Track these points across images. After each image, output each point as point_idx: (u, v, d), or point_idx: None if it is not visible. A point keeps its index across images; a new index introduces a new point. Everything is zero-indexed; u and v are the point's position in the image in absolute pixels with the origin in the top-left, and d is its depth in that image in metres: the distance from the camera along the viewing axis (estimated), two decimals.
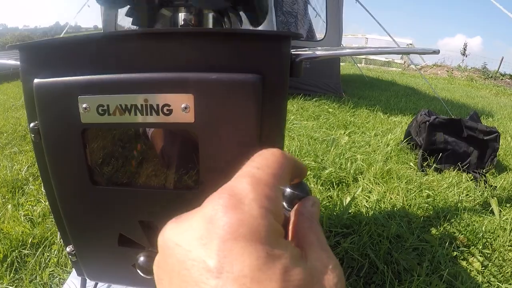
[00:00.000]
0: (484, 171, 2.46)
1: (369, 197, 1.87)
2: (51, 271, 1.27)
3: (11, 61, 0.78)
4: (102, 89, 0.58)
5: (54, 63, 0.61)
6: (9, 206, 1.73)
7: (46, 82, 0.59)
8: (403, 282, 1.22)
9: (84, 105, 0.58)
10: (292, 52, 0.58)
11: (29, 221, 1.60)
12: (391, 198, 1.88)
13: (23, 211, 1.69)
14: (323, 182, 1.97)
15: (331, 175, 2.05)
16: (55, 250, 1.39)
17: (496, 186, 2.22)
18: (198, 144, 0.60)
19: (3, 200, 1.83)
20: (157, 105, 0.56)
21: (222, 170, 0.56)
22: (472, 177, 2.37)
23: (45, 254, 1.37)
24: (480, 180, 2.29)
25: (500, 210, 1.91)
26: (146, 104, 0.57)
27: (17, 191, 1.91)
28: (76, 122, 0.59)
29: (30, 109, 0.64)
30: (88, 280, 0.99)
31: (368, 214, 1.70)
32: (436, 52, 0.66)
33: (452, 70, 10.87)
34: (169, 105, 0.56)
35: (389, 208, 1.77)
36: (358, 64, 10.08)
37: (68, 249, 0.78)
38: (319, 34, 5.10)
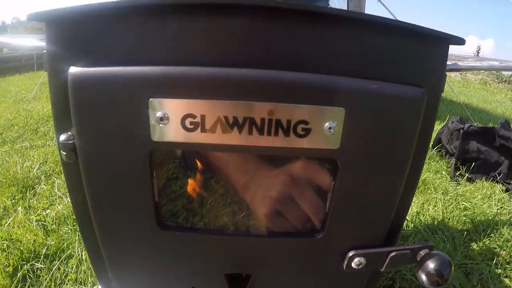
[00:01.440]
0: None
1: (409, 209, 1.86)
2: None
3: (30, 39, 0.56)
4: (193, 90, 0.37)
5: (103, 44, 0.38)
6: (19, 208, 1.59)
7: (90, 73, 0.37)
8: None
9: (159, 114, 0.37)
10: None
11: (41, 228, 1.45)
12: (428, 210, 1.88)
13: (35, 216, 1.53)
14: None
15: None
16: (72, 265, 1.23)
17: None
18: (335, 178, 0.45)
19: (13, 201, 1.70)
20: (288, 122, 0.38)
21: (360, 211, 0.50)
22: (505, 189, 2.35)
23: (61, 268, 1.21)
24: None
25: None
26: (271, 119, 0.38)
27: (28, 191, 1.79)
28: (143, 139, 0.39)
29: (61, 113, 0.41)
30: None
31: (409, 227, 1.69)
32: None
33: (466, 73, 10.73)
34: (306, 123, 0.39)
35: (429, 221, 1.76)
36: None
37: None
38: None
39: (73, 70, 0.37)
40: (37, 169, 2.05)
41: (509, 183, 2.37)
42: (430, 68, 0.43)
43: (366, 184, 0.46)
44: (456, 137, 2.56)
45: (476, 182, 2.38)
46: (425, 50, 0.42)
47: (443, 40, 0.42)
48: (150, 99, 0.36)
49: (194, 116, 0.37)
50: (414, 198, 1.93)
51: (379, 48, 0.40)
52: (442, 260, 0.51)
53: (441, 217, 1.80)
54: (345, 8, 4.68)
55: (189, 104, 0.37)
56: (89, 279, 1.19)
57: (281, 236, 0.54)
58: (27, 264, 1.22)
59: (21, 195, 1.76)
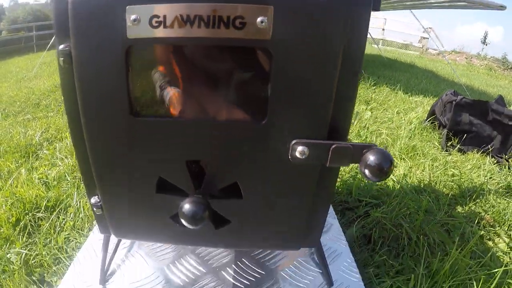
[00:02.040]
0: (507, 156, 2.41)
1: (396, 171, 1.84)
2: (66, 235, 1.21)
3: None
4: None
5: None
6: (23, 170, 1.66)
7: None
8: (435, 255, 1.19)
9: (133, 17, 0.49)
10: None
11: (43, 185, 1.53)
12: (417, 174, 1.85)
13: (37, 175, 1.61)
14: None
15: None
16: (71, 213, 1.32)
17: None
18: (271, 67, 0.52)
19: (17, 165, 1.76)
20: (228, 17, 0.48)
21: (296, 99, 0.55)
22: (496, 161, 2.32)
23: (60, 217, 1.29)
24: (504, 165, 2.24)
25: None
26: (214, 15, 0.48)
27: (30, 156, 1.85)
28: (120, 38, 0.50)
29: (61, 26, 0.53)
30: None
31: (395, 188, 1.67)
32: (503, 8, 0.62)
33: (471, 58, 10.62)
34: (242, 17, 0.48)
35: (416, 183, 1.74)
36: (375, 46, 9.88)
37: (93, 200, 0.71)
38: None
39: None
40: (39, 137, 2.12)
41: (501, 157, 2.35)
42: None
43: (299, 74, 0.54)
44: (449, 109, 2.54)
45: (467, 154, 2.35)
46: None
47: None
48: (127, 6, 0.49)
49: (158, 16, 0.49)
50: (401, 162, 1.90)
51: None
52: (382, 154, 0.56)
53: (428, 181, 1.77)
54: None
55: (155, 8, 0.49)
56: (86, 225, 1.27)
57: (229, 122, 0.63)
58: (29, 215, 1.30)
59: (24, 159, 1.83)
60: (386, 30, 11.20)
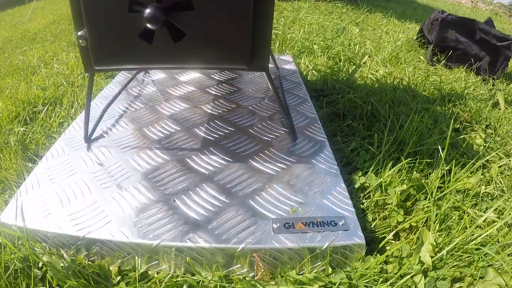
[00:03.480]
0: (494, 77, 2.40)
1: (376, 73, 1.84)
2: (61, 121, 1.30)
3: None
4: None
5: None
6: (22, 83, 1.72)
7: None
8: (401, 126, 1.22)
9: None
10: None
11: (42, 89, 1.60)
12: (398, 77, 1.85)
13: (36, 82, 1.69)
14: (331, 58, 1.93)
15: (339, 53, 2.00)
16: (65, 104, 1.41)
17: (504, 90, 2.17)
18: None
19: (17, 81, 1.81)
20: None
21: None
22: (482, 79, 2.31)
23: (56, 109, 1.38)
24: (489, 81, 2.23)
25: (506, 107, 1.87)
26: None
27: (29, 74, 1.89)
28: None
29: None
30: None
31: (375, 85, 1.68)
32: None
33: (477, 1, 10.29)
34: None
35: (395, 83, 1.74)
36: None
37: (79, 33, 0.82)
38: None
39: None
40: (36, 59, 2.15)
41: (489, 76, 2.33)
42: None
43: None
44: (436, 26, 2.49)
45: (453, 69, 2.34)
46: None
47: None
48: None
49: None
50: (383, 68, 1.90)
51: None
52: None
53: (407, 82, 1.77)
54: None
55: None
56: (79, 112, 1.35)
57: None
58: (27, 109, 1.39)
59: (23, 77, 1.86)
60: None
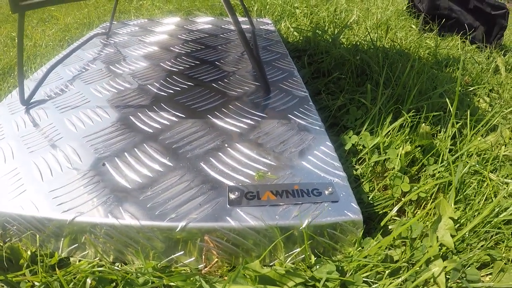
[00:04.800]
0: (492, 46, 2.24)
1: (362, 36, 1.62)
2: (11, 90, 1.16)
3: None
4: None
5: None
6: None
7: None
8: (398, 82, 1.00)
9: None
10: None
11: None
12: (391, 40, 1.64)
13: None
14: (315, 24, 1.70)
15: (324, 20, 1.77)
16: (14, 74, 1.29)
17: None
18: None
19: None
20: None
21: None
22: (477, 46, 2.14)
23: (7, 78, 1.27)
24: (485, 50, 2.06)
25: (506, 74, 1.68)
26: None
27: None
28: None
29: None
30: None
31: (364, 47, 1.45)
32: None
33: None
34: None
35: (386, 46, 1.53)
36: None
37: None
38: None
39: None
40: (4, 36, 1.94)
41: (485, 46, 2.17)
42: None
43: None
44: None
45: (447, 38, 2.15)
46: None
47: None
48: None
49: None
50: (372, 35, 1.68)
51: None
52: None
53: (399, 46, 1.56)
54: None
55: None
56: None
57: None
58: None
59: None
60: None
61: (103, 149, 0.65)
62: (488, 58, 1.91)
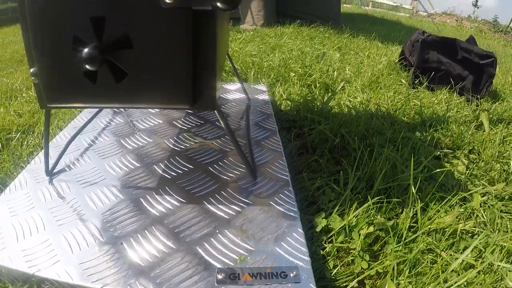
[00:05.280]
0: (479, 96, 2.35)
1: (354, 100, 1.78)
2: (31, 151, 1.30)
3: None
4: None
5: None
6: (1, 108, 1.74)
7: None
8: (375, 158, 1.15)
9: None
10: None
11: (18, 115, 1.63)
12: (376, 104, 1.79)
13: (13, 108, 1.72)
14: (308, 85, 1.88)
15: (316, 80, 1.94)
16: (37, 133, 1.42)
17: (489, 110, 2.12)
18: None
19: None
20: None
21: None
22: (466, 99, 2.26)
23: (28, 137, 1.39)
24: (474, 103, 2.18)
25: (491, 127, 1.81)
26: None
27: (10, 98, 1.91)
28: None
29: None
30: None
31: (351, 113, 1.61)
32: None
33: (462, 20, 10.45)
34: None
35: (373, 111, 1.68)
36: (365, 7, 9.69)
37: (32, 70, 0.83)
38: None
39: None
40: (19, 83, 2.17)
41: (473, 95, 2.28)
42: None
43: None
44: (417, 48, 2.45)
45: (436, 91, 2.29)
46: None
47: None
48: None
49: None
50: (361, 94, 1.84)
51: None
52: None
53: (386, 108, 1.71)
54: None
55: None
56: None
57: None
58: (1, 134, 1.40)
59: (4, 100, 1.89)
60: None
61: (120, 229, 0.81)
62: (475, 111, 2.03)
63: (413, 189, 0.96)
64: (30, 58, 0.83)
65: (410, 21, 8.12)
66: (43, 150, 1.12)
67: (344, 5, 9.64)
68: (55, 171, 1.03)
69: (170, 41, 0.75)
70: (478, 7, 11.79)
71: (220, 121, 0.94)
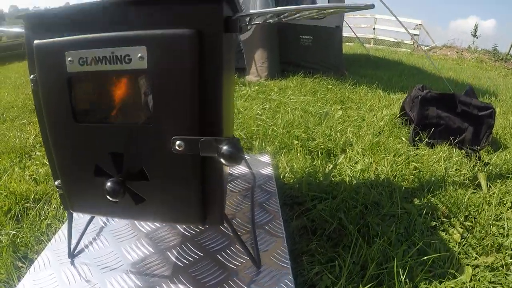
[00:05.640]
0: (479, 148, 2.42)
1: (354, 166, 1.88)
2: (49, 222, 1.40)
3: (17, 28, 1.03)
4: (82, 46, 0.77)
5: (48, 28, 0.80)
6: (16, 169, 1.88)
7: (43, 43, 0.79)
8: (372, 245, 1.23)
9: (69, 58, 0.77)
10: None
11: (33, 181, 1.75)
12: (376, 169, 1.88)
13: (29, 172, 1.83)
14: (310, 152, 1.98)
15: (319, 145, 2.05)
16: (54, 204, 1.53)
17: (488, 162, 2.19)
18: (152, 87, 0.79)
19: (11, 164, 1.97)
20: (121, 56, 0.76)
21: (170, 108, 0.80)
22: (465, 154, 2.33)
23: (45, 207, 1.51)
24: (474, 156, 2.24)
25: (489, 186, 1.87)
26: (112, 55, 0.76)
27: (24, 156, 2.04)
28: (64, 72, 0.80)
29: (31, 64, 0.84)
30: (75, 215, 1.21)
31: (352, 183, 1.70)
32: (370, 6, 0.71)
33: (462, 52, 10.64)
34: (129, 55, 0.75)
35: (373, 178, 1.77)
36: (366, 45, 9.94)
37: (56, 182, 0.95)
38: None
39: (36, 42, 0.80)
40: (33, 139, 2.31)
41: (471, 149, 2.35)
42: (202, 17, 0.73)
43: (170, 90, 0.77)
44: (417, 104, 2.55)
45: (436, 147, 2.37)
46: (195, 7, 0.73)
47: None
48: (66, 52, 0.77)
49: (83, 58, 0.78)
50: (362, 158, 1.94)
51: (165, 10, 0.74)
52: (233, 145, 0.74)
53: (386, 175, 1.80)
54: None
55: (81, 53, 0.78)
56: (65, 214, 1.45)
57: (133, 125, 0.89)
58: (19, 205, 1.53)
59: (19, 159, 2.04)
60: (377, 29, 11.28)
61: None
62: (474, 167, 2.10)
63: (402, 276, 1.04)
64: (54, 173, 0.94)
65: (411, 59, 8.30)
66: (62, 229, 1.24)
67: (347, 43, 9.89)
68: (77, 252, 1.13)
69: (182, 176, 0.86)
70: (477, 37, 12.01)
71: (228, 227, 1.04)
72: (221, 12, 0.73)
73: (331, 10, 0.76)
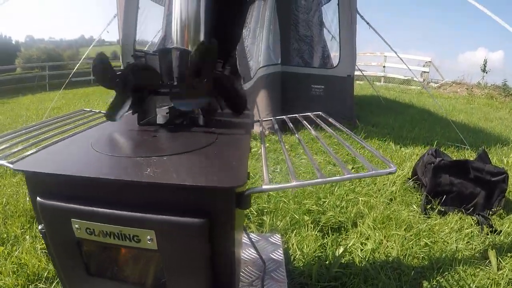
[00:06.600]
0: (491, 212, 2.43)
1: (365, 244, 1.91)
2: None
3: None
4: (89, 218, 0.74)
5: (49, 189, 0.76)
6: (27, 237, 1.90)
7: (47, 203, 0.75)
8: None
9: (76, 226, 0.74)
10: (239, 191, 0.71)
11: (45, 255, 1.76)
12: (387, 247, 1.91)
13: (40, 245, 1.84)
14: (321, 227, 2.02)
15: (330, 219, 2.09)
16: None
17: (500, 231, 2.20)
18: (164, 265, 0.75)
19: (22, 230, 1.99)
20: (129, 235, 0.73)
21: (184, 283, 0.79)
22: (477, 222, 2.34)
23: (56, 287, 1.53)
24: (484, 225, 2.26)
25: (500, 261, 1.89)
26: (120, 233, 0.73)
27: (35, 221, 2.05)
28: (72, 235, 0.77)
29: (38, 213, 0.80)
30: None
31: (361, 264, 1.74)
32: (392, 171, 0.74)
33: (472, 88, 10.69)
34: (137, 236, 0.72)
35: (383, 258, 1.80)
36: (377, 83, 10.05)
37: None
38: (335, 57, 5.07)
39: (39, 199, 0.74)
40: None
41: (482, 216, 2.36)
42: (214, 207, 0.71)
43: (181, 267, 0.76)
44: (429, 170, 2.58)
45: (448, 215, 2.39)
46: (207, 197, 0.70)
47: (221, 191, 0.69)
48: (72, 219, 0.73)
49: (90, 229, 0.73)
50: (373, 233, 1.97)
51: (178, 197, 0.71)
52: None
53: (396, 254, 1.83)
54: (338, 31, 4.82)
55: (87, 224, 0.73)
56: None
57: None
58: (31, 285, 1.55)
59: (29, 225, 2.06)
60: (387, 67, 11.42)
61: None
62: (484, 241, 2.11)
63: None
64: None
65: (421, 99, 8.35)
66: None
67: (357, 81, 10.01)
68: None
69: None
70: (486, 72, 12.05)
71: None
72: (233, 204, 0.71)
73: (350, 176, 0.76)
